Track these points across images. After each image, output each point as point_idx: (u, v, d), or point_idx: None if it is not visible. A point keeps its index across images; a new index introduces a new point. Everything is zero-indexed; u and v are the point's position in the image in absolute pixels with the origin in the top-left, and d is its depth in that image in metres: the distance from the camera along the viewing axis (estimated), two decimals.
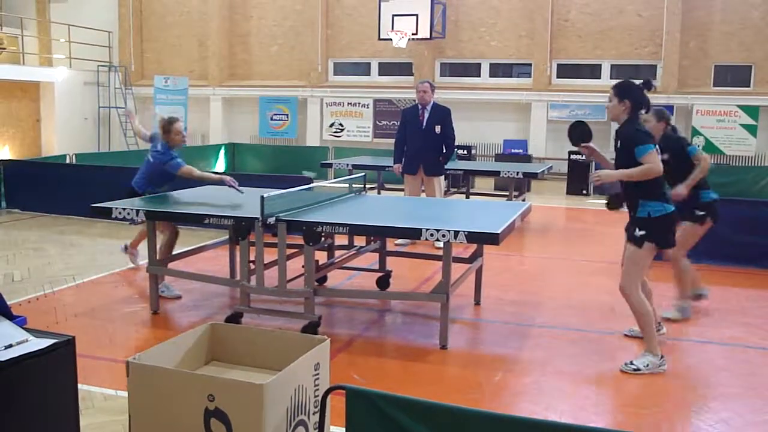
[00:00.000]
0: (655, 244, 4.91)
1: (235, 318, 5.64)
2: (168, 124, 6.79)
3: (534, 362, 5.14)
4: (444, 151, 8.88)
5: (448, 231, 4.93)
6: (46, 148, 19.17)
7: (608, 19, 17.15)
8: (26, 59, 19.38)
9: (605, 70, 17.53)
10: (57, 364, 2.88)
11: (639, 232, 4.88)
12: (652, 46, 16.94)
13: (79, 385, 3.02)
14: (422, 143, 8.85)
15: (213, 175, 7.54)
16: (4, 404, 2.65)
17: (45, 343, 2.84)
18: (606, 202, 5.84)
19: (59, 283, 7.08)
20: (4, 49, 18.96)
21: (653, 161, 4.76)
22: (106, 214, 6.06)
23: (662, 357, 4.95)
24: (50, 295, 6.69)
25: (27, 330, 2.95)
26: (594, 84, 17.30)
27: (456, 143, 9.46)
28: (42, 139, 19.59)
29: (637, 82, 5.21)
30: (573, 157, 15.40)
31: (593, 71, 17.68)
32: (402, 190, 9.57)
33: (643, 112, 5.23)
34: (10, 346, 2.77)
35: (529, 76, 17.90)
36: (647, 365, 4.90)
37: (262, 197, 5.28)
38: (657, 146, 4.97)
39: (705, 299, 6.56)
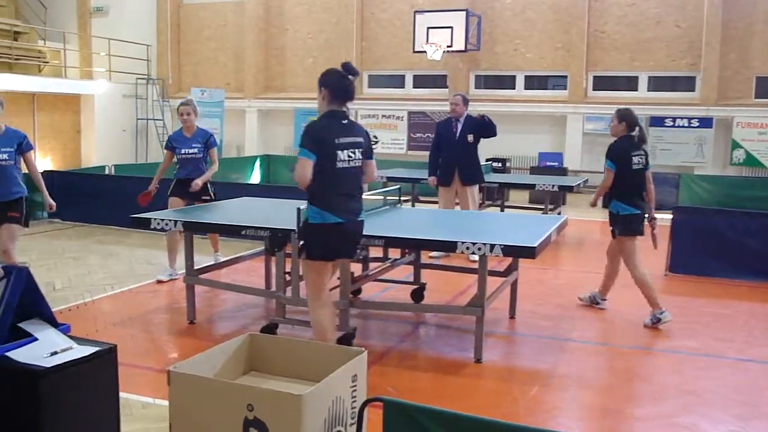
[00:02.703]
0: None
1: (270, 329, 5.67)
2: None
3: (570, 377, 5.10)
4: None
5: (484, 244, 4.91)
6: (86, 159, 19.52)
7: (646, 30, 17.00)
8: (68, 72, 19.77)
9: (642, 82, 17.37)
10: (100, 371, 2.93)
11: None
12: (690, 57, 16.75)
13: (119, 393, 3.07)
14: (456, 153, 8.88)
15: None
16: (50, 409, 2.70)
17: (88, 350, 2.90)
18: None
19: (98, 292, 7.19)
20: (47, 63, 19.39)
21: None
22: (144, 224, 6.15)
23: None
24: (90, 303, 6.81)
25: (70, 337, 3.01)
26: (631, 96, 17.14)
27: (491, 156, 9.45)
28: (82, 151, 19.95)
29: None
30: None
31: (630, 83, 17.53)
32: (436, 202, 9.58)
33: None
34: (55, 353, 2.83)
35: (565, 89, 17.81)
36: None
37: (299, 209, 5.31)
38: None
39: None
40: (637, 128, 6.49)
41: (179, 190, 7.68)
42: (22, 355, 2.79)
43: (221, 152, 18.81)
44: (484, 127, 8.78)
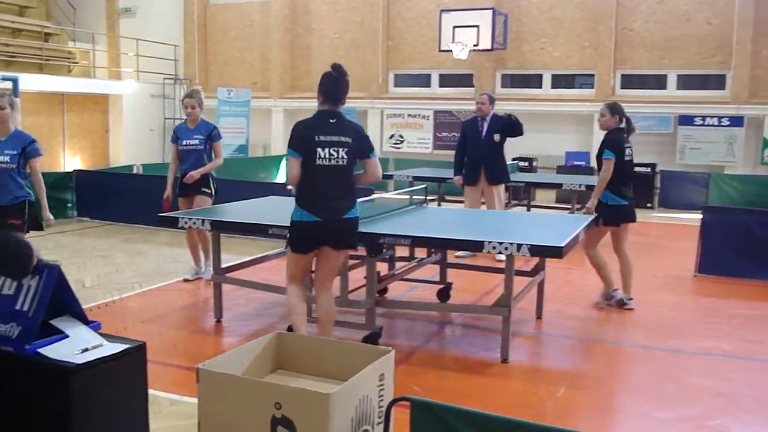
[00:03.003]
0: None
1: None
2: None
3: (597, 378, 5.06)
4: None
5: (511, 244, 4.89)
6: (114, 159, 19.73)
7: (675, 27, 16.80)
8: (96, 73, 20.00)
9: (671, 81, 17.16)
10: (129, 368, 2.96)
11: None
12: (721, 55, 16.51)
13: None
14: (482, 152, 8.85)
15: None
16: (81, 405, 2.73)
17: (118, 347, 2.93)
18: None
19: (126, 290, 7.26)
20: (77, 63, 19.63)
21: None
22: (171, 223, 6.20)
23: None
24: (118, 301, 6.88)
25: (101, 335, 3.04)
26: (660, 95, 16.96)
27: (517, 155, 9.41)
28: (110, 150, 20.18)
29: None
30: (637, 169, 15.11)
31: (659, 81, 17.33)
32: (462, 202, 9.54)
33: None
34: (86, 350, 2.85)
35: (592, 87, 17.66)
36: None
37: None
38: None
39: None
40: (625, 119, 6.75)
41: (183, 189, 7.63)
42: (53, 351, 2.82)
43: (247, 152, 18.93)
44: (511, 127, 8.74)
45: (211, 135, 7.66)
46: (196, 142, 7.60)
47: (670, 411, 4.52)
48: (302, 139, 4.71)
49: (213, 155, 7.69)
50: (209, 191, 7.61)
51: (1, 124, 6.11)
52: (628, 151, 6.70)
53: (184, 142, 7.62)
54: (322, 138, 4.70)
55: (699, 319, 6.62)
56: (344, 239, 4.93)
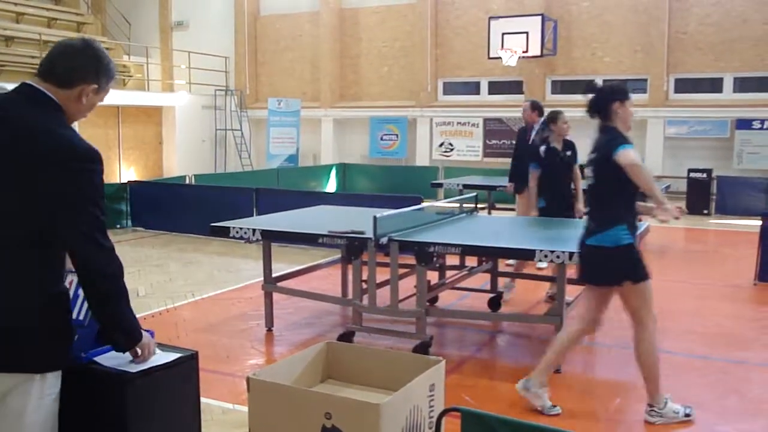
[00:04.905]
0: None
1: (347, 336, 5.69)
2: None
3: None
4: None
5: (563, 252, 4.81)
6: (168, 170, 20.11)
7: (731, 29, 16.41)
8: (150, 86, 20.42)
9: (727, 84, 16.76)
10: (182, 376, 2.97)
11: None
12: None
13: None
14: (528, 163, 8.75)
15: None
16: (135, 413, 2.76)
17: (171, 356, 2.95)
18: None
19: (179, 299, 7.36)
20: (131, 77, 20.07)
21: None
22: (223, 232, 6.26)
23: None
24: (171, 310, 6.98)
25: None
26: (715, 98, 16.57)
27: None
28: (164, 161, 20.57)
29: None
30: (692, 175, 14.81)
31: (714, 85, 16.95)
32: (513, 209, 9.48)
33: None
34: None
35: (645, 92, 17.36)
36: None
37: (375, 217, 5.32)
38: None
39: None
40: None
41: None
42: (108, 360, 2.85)
43: (297, 161, 19.09)
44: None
45: None
46: None
47: (731, 424, 4.38)
48: None
49: None
50: None
51: None
52: None
53: None
54: None
55: (760, 329, 6.42)
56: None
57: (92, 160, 2.39)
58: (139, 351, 2.69)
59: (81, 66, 2.45)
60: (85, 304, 2.91)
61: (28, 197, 2.34)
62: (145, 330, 3.15)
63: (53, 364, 2.49)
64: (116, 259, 2.49)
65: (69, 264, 2.63)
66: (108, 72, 2.54)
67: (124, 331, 2.61)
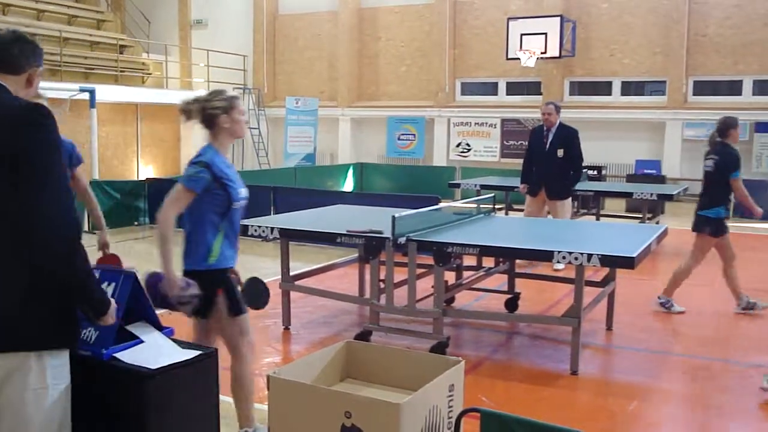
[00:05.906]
0: None
1: (364, 336, 5.70)
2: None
3: (670, 392, 4.92)
4: (571, 173, 8.70)
5: (581, 254, 4.80)
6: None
7: (750, 32, 16.28)
8: (169, 83, 20.54)
9: (747, 86, 16.64)
10: (201, 374, 3.01)
11: None
12: None
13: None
14: (545, 167, 8.71)
15: None
16: (155, 410, 2.79)
17: (191, 354, 2.98)
18: None
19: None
20: (150, 74, 20.21)
21: None
22: (241, 231, 6.28)
23: None
24: None
25: (174, 341, 3.10)
26: (734, 101, 16.46)
27: (586, 163, 9.22)
28: (182, 159, 20.66)
29: None
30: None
31: (733, 87, 16.83)
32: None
33: None
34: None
35: (663, 94, 17.27)
36: None
37: (394, 217, 5.33)
38: None
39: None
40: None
41: None
42: (129, 357, 2.89)
43: (315, 160, 19.12)
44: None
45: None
46: None
47: (747, 428, 4.36)
48: None
49: None
50: None
51: None
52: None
53: None
54: None
55: None
56: None
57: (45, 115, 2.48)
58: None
59: (22, 52, 2.58)
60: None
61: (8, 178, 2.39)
62: (165, 327, 3.19)
63: (47, 342, 2.49)
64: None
65: None
66: (42, 55, 2.68)
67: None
